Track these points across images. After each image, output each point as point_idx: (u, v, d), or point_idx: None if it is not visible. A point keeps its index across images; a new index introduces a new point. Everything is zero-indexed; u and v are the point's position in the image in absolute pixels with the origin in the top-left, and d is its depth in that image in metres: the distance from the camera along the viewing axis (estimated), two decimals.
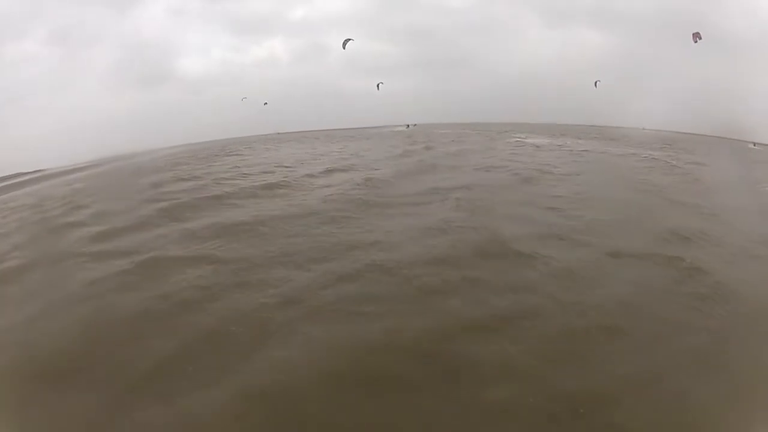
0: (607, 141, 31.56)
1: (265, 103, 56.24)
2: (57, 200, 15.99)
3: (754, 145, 34.84)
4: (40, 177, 26.05)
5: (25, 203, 16.80)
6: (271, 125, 67.94)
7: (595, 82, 34.59)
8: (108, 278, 7.20)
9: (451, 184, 13.66)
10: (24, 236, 11.14)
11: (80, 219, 12.06)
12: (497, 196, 12.23)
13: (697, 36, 25.88)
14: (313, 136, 51.77)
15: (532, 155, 22.66)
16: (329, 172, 17.46)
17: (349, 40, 30.85)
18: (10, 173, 29.92)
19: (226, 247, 8.36)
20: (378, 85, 38.56)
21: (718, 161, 22.16)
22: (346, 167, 18.79)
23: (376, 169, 17.43)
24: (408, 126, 61.24)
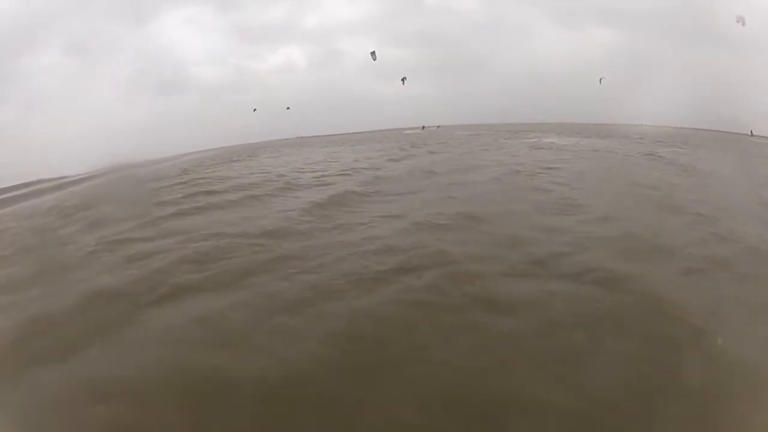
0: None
1: (288, 108, 58.19)
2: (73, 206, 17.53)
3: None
4: (62, 184, 28.11)
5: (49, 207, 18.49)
6: (293, 130, 70.19)
7: (600, 79, 33.94)
8: None
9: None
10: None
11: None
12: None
13: (741, 20, 24.65)
14: (327, 141, 52.94)
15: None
16: None
17: (374, 51, 32.66)
18: (33, 179, 32.43)
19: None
20: (403, 80, 37.94)
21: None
22: None
23: None
24: (423, 128, 61.17)
